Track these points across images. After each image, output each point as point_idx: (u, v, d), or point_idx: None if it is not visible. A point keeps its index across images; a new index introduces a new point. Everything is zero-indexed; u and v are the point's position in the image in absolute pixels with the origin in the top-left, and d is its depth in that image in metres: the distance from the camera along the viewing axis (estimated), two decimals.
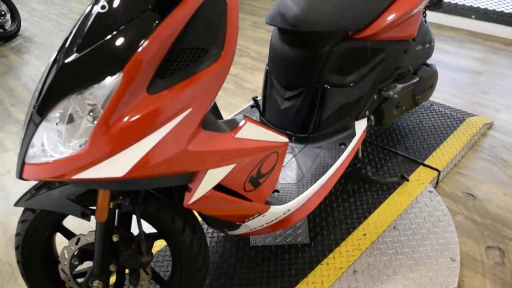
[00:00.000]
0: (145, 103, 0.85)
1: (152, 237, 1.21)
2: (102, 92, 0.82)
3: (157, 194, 1.15)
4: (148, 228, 1.17)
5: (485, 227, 1.68)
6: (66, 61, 0.84)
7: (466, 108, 2.41)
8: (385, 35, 1.56)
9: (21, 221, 1.14)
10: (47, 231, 1.17)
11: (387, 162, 1.94)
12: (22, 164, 0.90)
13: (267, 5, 4.65)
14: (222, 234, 1.65)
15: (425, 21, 1.92)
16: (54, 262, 1.22)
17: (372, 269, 1.46)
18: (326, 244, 1.57)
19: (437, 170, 1.87)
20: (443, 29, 3.57)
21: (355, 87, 1.57)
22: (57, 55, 0.88)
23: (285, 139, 1.17)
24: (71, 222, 1.31)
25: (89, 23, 0.84)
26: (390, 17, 1.52)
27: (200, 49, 0.90)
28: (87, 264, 1.19)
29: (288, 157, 1.56)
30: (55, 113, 0.85)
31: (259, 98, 1.83)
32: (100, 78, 0.82)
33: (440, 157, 1.95)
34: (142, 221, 1.11)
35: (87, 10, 0.87)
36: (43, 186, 1.11)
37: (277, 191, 1.40)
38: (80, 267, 1.20)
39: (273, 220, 1.33)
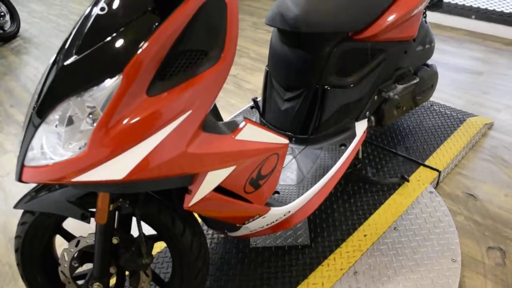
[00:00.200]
0: (144, 105, 0.85)
1: (152, 239, 1.21)
2: (101, 95, 0.82)
3: (157, 196, 1.14)
4: (148, 230, 1.17)
5: (486, 227, 1.68)
6: (65, 63, 0.84)
7: (466, 108, 2.41)
8: (385, 36, 1.55)
9: (21, 223, 1.14)
10: (47, 233, 1.17)
11: (388, 163, 1.94)
12: (21, 167, 0.89)
13: (267, 6, 4.65)
14: (222, 236, 1.64)
15: (425, 21, 1.91)
16: (54, 264, 1.22)
17: (373, 270, 1.46)
18: (326, 245, 1.56)
19: (437, 170, 1.87)
20: (443, 29, 3.56)
21: (356, 88, 1.57)
22: (56, 57, 0.87)
23: (286, 141, 1.16)
24: (71, 224, 1.31)
25: (88, 25, 0.84)
26: (391, 18, 1.52)
27: (200, 51, 0.90)
28: (87, 266, 1.19)
29: (288, 158, 1.56)
30: (55, 115, 0.85)
31: (259, 99, 1.83)
32: (99, 80, 0.82)
33: (440, 158, 1.95)
34: (142, 223, 1.10)
35: (86, 12, 0.86)
36: (43, 188, 1.10)
37: (278, 192, 1.40)
38: (80, 269, 1.20)
39: (273, 222, 1.33)
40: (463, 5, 3.51)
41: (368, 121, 1.70)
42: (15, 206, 1.10)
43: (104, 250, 1.08)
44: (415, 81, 1.80)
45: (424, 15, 1.91)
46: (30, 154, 0.88)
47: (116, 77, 0.81)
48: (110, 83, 0.81)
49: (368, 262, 1.49)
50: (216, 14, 0.90)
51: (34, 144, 0.87)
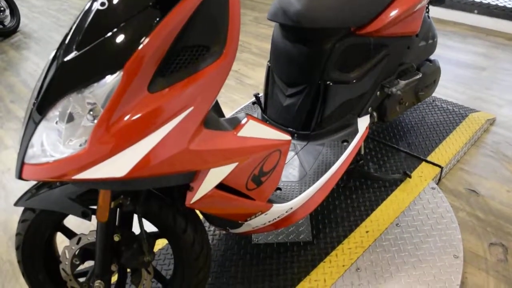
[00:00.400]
0: (146, 102, 0.84)
1: (154, 236, 1.20)
2: (102, 91, 0.81)
3: (159, 193, 1.14)
4: (150, 227, 1.16)
5: (488, 223, 1.67)
6: (65, 59, 0.83)
7: (468, 103, 2.39)
8: (388, 31, 1.54)
9: (22, 221, 1.13)
10: (48, 231, 1.16)
11: (390, 159, 1.93)
12: (21, 164, 0.88)
13: (268, 0, 4.62)
14: (224, 232, 1.64)
15: (428, 16, 1.90)
16: (55, 261, 1.21)
17: (375, 267, 1.46)
18: (328, 242, 1.56)
19: (439, 166, 1.86)
20: (446, 24, 3.54)
21: (358, 83, 1.56)
22: (56, 53, 0.86)
23: (288, 137, 1.15)
24: (72, 222, 1.31)
25: (88, 20, 0.83)
26: (393, 13, 1.50)
27: (202, 46, 0.88)
28: (89, 263, 1.18)
29: (290, 154, 1.55)
30: (55, 112, 0.84)
31: (261, 94, 1.82)
32: (100, 76, 0.81)
33: (442, 153, 1.94)
34: (144, 220, 1.10)
35: (87, 7, 0.85)
36: (44, 185, 1.09)
37: (280, 189, 1.39)
38: (81, 267, 1.19)
39: (275, 218, 1.32)
40: None
41: (371, 117, 1.69)
42: (16, 204, 1.09)
43: (106, 248, 1.08)
44: (417, 77, 1.79)
45: (427, 10, 1.89)
46: (30, 151, 0.87)
47: (117, 73, 0.80)
48: (111, 79, 0.80)
49: (370, 259, 1.49)
50: (218, 9, 0.89)
51: (34, 141, 0.86)
